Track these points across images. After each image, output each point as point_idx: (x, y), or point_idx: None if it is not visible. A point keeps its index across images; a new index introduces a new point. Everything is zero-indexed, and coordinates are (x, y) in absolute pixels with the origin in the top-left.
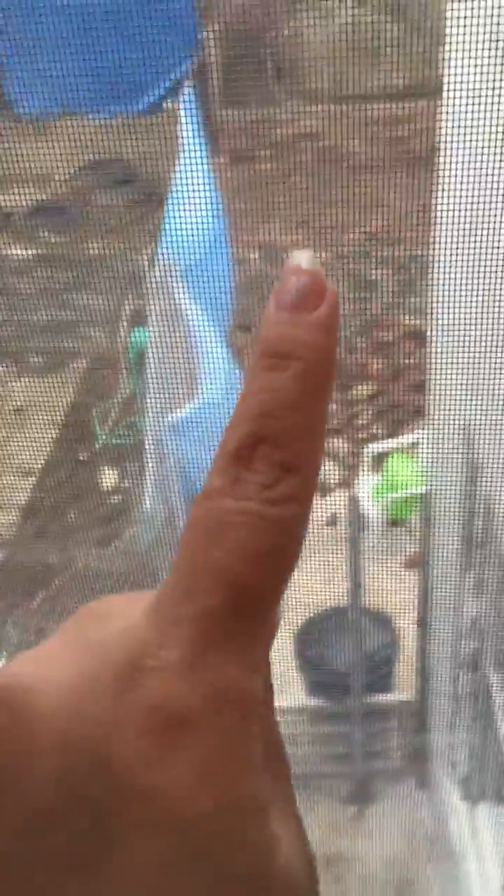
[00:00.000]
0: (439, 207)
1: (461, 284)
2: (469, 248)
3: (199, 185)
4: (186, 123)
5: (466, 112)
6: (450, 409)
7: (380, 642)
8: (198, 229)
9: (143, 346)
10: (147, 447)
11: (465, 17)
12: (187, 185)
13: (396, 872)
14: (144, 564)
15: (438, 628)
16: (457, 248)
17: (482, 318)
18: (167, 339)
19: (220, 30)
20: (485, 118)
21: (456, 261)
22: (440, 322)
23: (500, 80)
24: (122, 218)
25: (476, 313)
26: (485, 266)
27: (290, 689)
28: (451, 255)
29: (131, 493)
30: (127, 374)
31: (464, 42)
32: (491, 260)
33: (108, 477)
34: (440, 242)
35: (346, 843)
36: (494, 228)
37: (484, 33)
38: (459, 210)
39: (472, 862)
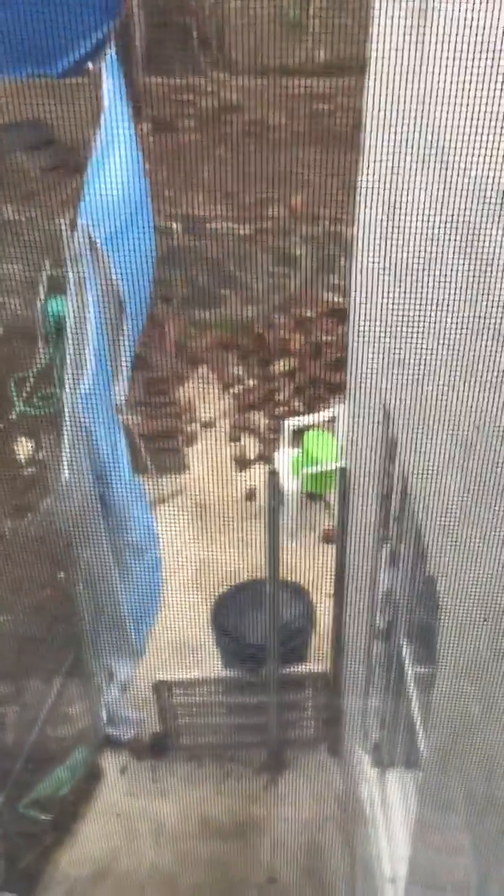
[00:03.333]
0: (363, 186)
1: (383, 264)
2: (391, 228)
3: (121, 151)
4: (109, 87)
5: (392, 91)
6: (369, 387)
7: (295, 614)
8: (120, 196)
9: (61, 315)
10: (65, 418)
11: None
12: (109, 150)
13: (307, 837)
14: (61, 535)
15: (353, 600)
16: (379, 228)
17: (403, 298)
18: (86, 309)
19: None
20: (411, 99)
21: (378, 240)
22: (361, 300)
23: (428, 60)
24: (39, 183)
25: (396, 293)
26: (407, 247)
27: (206, 661)
28: (373, 234)
29: (47, 464)
30: (44, 344)
31: (390, 19)
32: (413, 241)
33: (24, 447)
34: (363, 221)
35: (259, 811)
36: (417, 209)
37: (410, 10)
38: (382, 190)
39: (382, 827)
